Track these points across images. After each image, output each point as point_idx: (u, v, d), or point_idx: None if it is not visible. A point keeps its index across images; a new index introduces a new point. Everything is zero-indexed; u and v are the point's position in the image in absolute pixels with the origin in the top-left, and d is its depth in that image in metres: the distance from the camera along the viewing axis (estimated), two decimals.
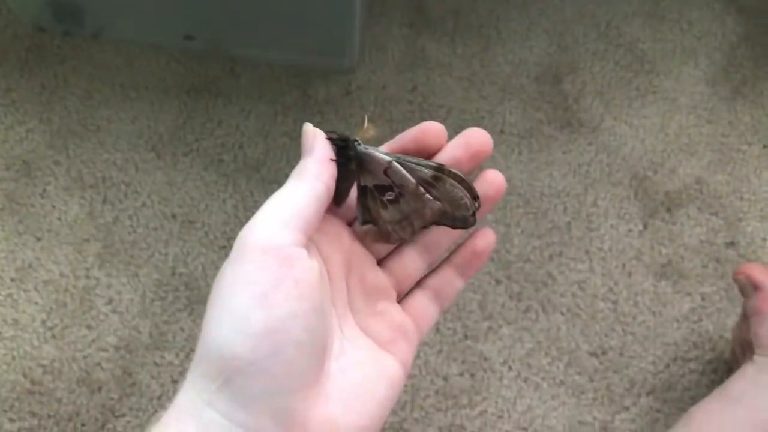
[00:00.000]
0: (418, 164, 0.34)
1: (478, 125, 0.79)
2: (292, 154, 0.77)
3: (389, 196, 0.35)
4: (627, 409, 0.68)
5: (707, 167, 0.78)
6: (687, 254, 0.74)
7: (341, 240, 0.36)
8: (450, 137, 0.36)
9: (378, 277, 0.37)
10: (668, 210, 0.76)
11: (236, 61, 0.83)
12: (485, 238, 0.37)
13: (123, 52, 0.83)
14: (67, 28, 0.83)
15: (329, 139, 0.33)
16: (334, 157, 0.33)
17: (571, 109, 0.81)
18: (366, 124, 0.35)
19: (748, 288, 0.64)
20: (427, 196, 0.35)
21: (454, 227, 0.36)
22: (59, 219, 0.74)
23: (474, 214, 0.35)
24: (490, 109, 0.81)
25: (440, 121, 0.35)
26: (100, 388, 0.68)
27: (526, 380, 0.69)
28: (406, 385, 0.69)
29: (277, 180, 0.75)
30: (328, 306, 0.33)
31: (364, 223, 0.36)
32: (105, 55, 0.83)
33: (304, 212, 0.31)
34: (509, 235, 0.74)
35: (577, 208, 0.76)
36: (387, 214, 0.35)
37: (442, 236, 0.37)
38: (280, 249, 0.30)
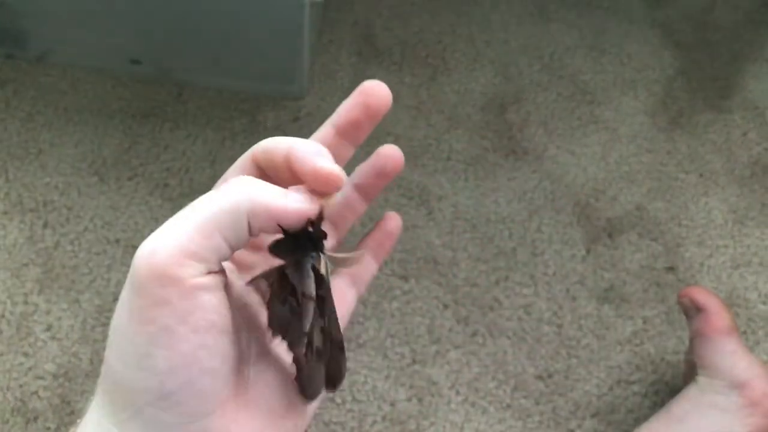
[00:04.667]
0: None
1: (425, 153, 0.80)
2: None
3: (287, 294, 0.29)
4: (572, 431, 0.69)
5: (647, 195, 0.81)
6: (628, 279, 0.76)
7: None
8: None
9: None
10: (610, 236, 0.78)
11: (184, 86, 0.82)
12: (394, 220, 0.37)
13: (68, 76, 0.82)
14: (9, 51, 0.82)
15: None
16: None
17: (515, 137, 0.83)
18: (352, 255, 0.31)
19: (691, 310, 0.66)
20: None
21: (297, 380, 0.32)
22: None
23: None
24: (437, 137, 0.82)
25: None
26: (36, 418, 0.65)
27: (473, 404, 0.69)
28: (353, 411, 0.68)
29: None
30: (244, 308, 0.31)
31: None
32: (49, 78, 0.82)
33: (214, 231, 0.27)
34: (456, 260, 0.75)
35: (522, 234, 0.77)
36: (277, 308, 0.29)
37: (348, 214, 0.36)
38: (181, 282, 0.26)
